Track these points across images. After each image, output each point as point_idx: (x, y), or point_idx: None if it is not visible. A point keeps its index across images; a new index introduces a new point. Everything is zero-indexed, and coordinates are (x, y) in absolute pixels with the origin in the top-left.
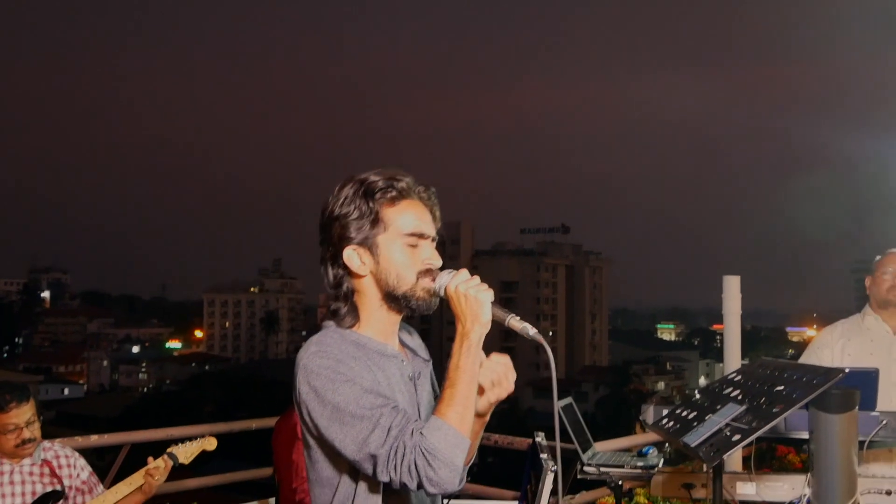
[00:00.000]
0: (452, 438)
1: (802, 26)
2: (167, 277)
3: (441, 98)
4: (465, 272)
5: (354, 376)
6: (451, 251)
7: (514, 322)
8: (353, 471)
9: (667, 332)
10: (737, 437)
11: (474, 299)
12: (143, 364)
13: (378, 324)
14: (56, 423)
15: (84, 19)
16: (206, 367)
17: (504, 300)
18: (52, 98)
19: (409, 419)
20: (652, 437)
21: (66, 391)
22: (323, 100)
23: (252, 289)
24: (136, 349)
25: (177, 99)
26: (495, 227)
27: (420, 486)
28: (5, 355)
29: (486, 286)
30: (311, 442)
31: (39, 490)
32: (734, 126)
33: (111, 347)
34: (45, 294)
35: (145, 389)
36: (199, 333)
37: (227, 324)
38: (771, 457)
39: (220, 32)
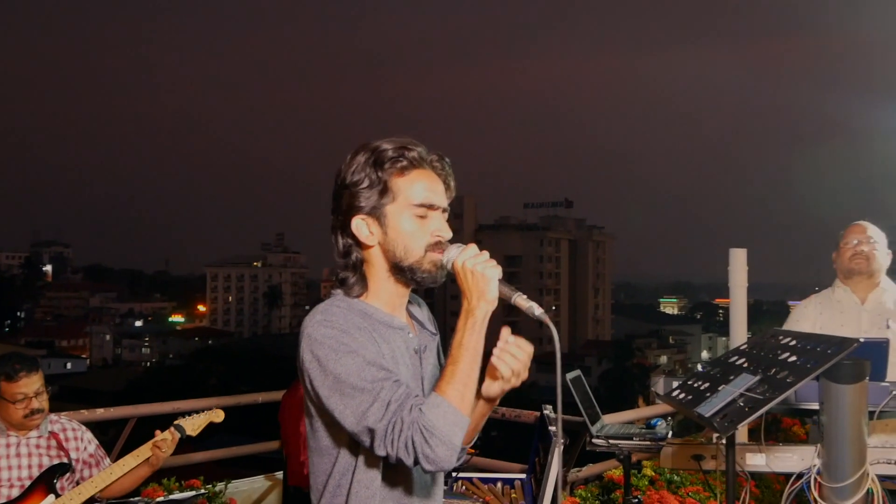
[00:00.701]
0: (451, 416)
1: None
2: (170, 251)
3: (446, 72)
4: (473, 247)
5: (358, 347)
6: (455, 225)
7: (521, 300)
8: (353, 443)
9: (669, 306)
10: (751, 407)
11: (481, 276)
12: (146, 338)
13: (386, 295)
14: (59, 398)
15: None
16: (210, 342)
17: (507, 275)
18: (56, 74)
19: (409, 394)
20: (659, 409)
21: (69, 365)
22: (327, 74)
23: (255, 263)
24: (139, 323)
25: (183, 73)
26: (499, 201)
27: (416, 462)
28: (7, 329)
29: (493, 262)
30: (313, 410)
31: (46, 462)
32: (740, 100)
33: (114, 322)
34: (48, 268)
35: (148, 364)
36: (202, 308)
37: (230, 298)
38: (776, 429)
39: (230, 10)
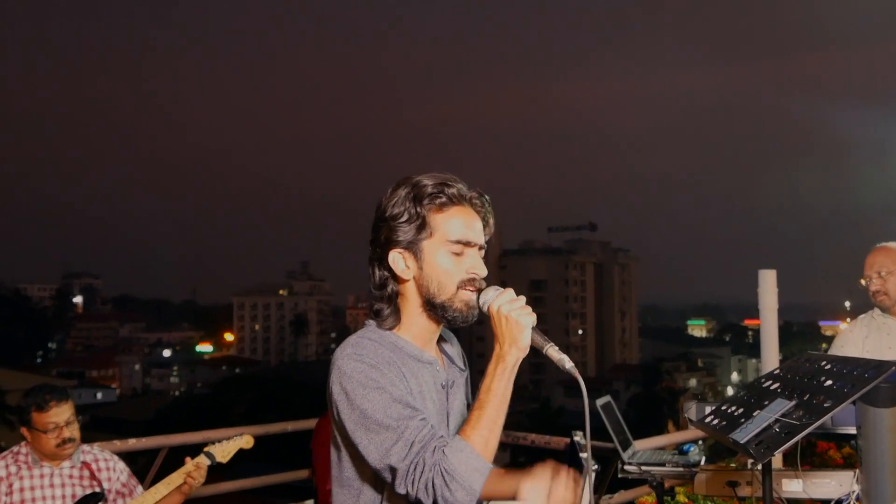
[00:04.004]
0: (473, 462)
1: (836, 16)
2: (197, 281)
3: (469, 96)
4: (510, 292)
5: (386, 384)
6: None
7: (552, 352)
8: (377, 479)
9: (697, 329)
10: (787, 433)
11: (515, 322)
12: (175, 368)
13: (417, 329)
14: (90, 428)
15: (109, 29)
16: (237, 370)
17: (533, 299)
18: (81, 107)
19: (433, 435)
20: (691, 434)
21: (99, 395)
22: (350, 100)
23: (281, 291)
24: (167, 353)
25: (203, 102)
26: (523, 225)
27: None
28: (39, 360)
29: (529, 310)
30: (339, 441)
31: (79, 493)
32: (765, 119)
33: (143, 352)
34: (78, 299)
35: (177, 393)
36: (229, 336)
37: (257, 327)
38: (811, 453)
39: (245, 31)
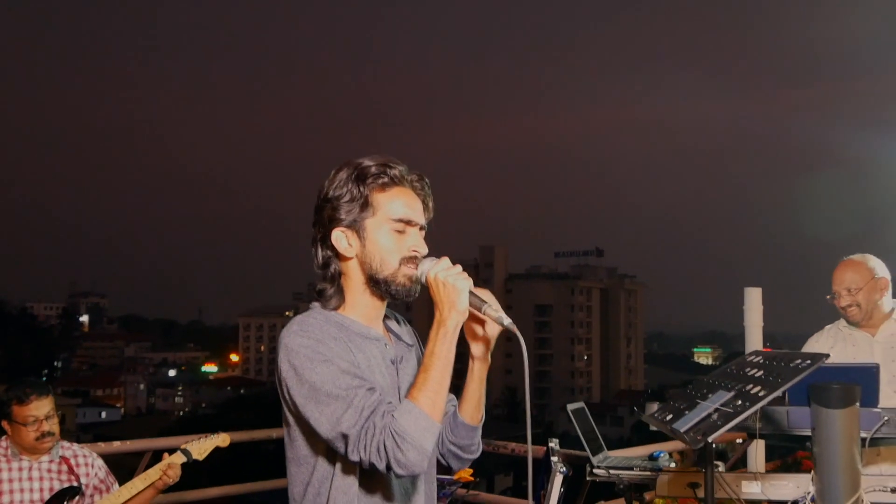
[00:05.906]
0: (423, 422)
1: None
2: (203, 302)
3: (475, 121)
4: (446, 260)
5: (333, 356)
6: (485, 274)
7: (490, 311)
8: (330, 451)
9: (704, 356)
10: (723, 420)
11: (452, 287)
12: (180, 388)
13: (362, 308)
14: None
15: (119, 53)
16: (242, 391)
17: (538, 324)
18: (88, 128)
19: (382, 401)
20: (671, 445)
21: (104, 414)
22: (352, 123)
23: (287, 312)
24: (172, 373)
25: (207, 127)
26: (529, 250)
27: (389, 468)
28: (44, 378)
29: (465, 275)
30: (291, 420)
31: (57, 486)
32: (770, 146)
33: (148, 371)
34: (84, 318)
35: (181, 413)
36: (234, 357)
37: (263, 348)
38: (797, 470)
39: (241, 58)
